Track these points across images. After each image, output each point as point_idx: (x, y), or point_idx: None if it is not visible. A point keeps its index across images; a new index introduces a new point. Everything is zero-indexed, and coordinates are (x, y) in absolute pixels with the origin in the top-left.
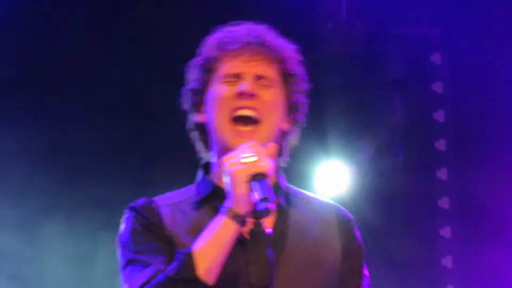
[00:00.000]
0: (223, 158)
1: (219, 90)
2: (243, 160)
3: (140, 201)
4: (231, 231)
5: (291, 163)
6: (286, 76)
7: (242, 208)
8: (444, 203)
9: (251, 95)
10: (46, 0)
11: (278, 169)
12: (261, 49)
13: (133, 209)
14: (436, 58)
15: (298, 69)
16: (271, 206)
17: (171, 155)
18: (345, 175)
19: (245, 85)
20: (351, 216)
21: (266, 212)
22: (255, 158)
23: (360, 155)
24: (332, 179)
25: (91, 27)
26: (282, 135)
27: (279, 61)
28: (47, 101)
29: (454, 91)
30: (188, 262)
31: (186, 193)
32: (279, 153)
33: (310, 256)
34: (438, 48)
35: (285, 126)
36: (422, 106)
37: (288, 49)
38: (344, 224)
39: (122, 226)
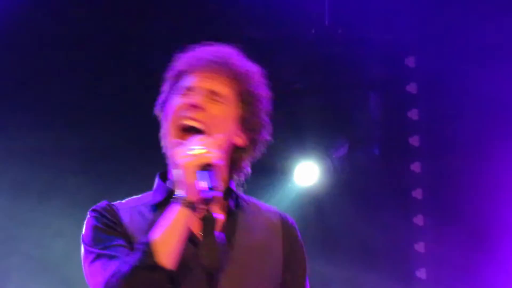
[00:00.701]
0: (174, 151)
1: (173, 101)
2: (191, 152)
3: (101, 204)
4: (185, 218)
5: (272, 160)
6: (243, 96)
7: (193, 196)
8: (417, 193)
9: (198, 107)
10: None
11: (231, 175)
12: (221, 68)
13: (95, 211)
14: (410, 61)
15: (258, 91)
16: (217, 194)
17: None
18: (325, 168)
19: (195, 98)
20: (293, 221)
21: (213, 199)
22: (203, 150)
23: (338, 150)
24: (312, 172)
25: (83, 42)
26: (236, 150)
27: (237, 80)
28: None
29: (427, 91)
30: (148, 250)
31: (144, 199)
32: (233, 166)
33: (256, 253)
34: (412, 52)
35: (240, 141)
36: (397, 105)
37: (250, 71)
38: (287, 228)
39: (86, 227)
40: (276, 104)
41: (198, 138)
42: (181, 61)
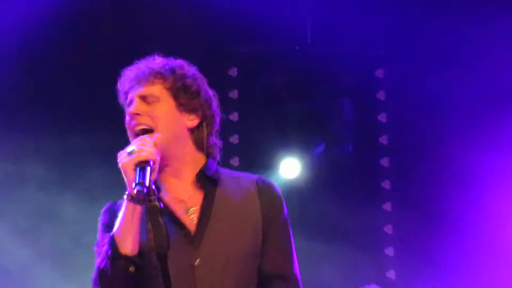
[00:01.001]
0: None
1: (126, 116)
2: (127, 151)
3: (106, 206)
4: (133, 211)
5: (258, 157)
6: (171, 87)
7: (133, 191)
8: (386, 184)
9: (137, 114)
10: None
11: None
12: (144, 74)
13: (102, 211)
14: (379, 73)
15: (186, 78)
16: (141, 188)
17: None
18: (306, 164)
19: (131, 108)
20: (270, 182)
21: (140, 193)
22: (135, 149)
23: (317, 148)
24: (294, 167)
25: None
26: (194, 131)
27: (161, 78)
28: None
29: (394, 98)
30: (112, 244)
31: None
32: (200, 145)
33: (234, 223)
34: (381, 65)
35: (191, 123)
36: (369, 109)
37: (170, 65)
38: (263, 190)
39: (99, 225)
40: (264, 109)
41: (134, 140)
42: (120, 80)
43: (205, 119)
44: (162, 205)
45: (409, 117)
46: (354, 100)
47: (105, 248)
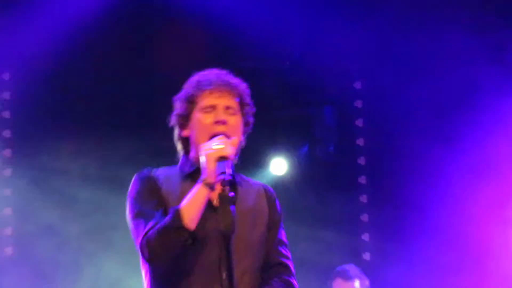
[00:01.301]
0: (201, 145)
1: (201, 117)
2: (214, 147)
3: (145, 171)
4: (204, 194)
5: (253, 156)
6: (242, 105)
7: (211, 179)
8: (362, 179)
9: (223, 122)
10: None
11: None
12: (227, 87)
13: (139, 176)
14: (357, 84)
15: (249, 100)
16: (229, 177)
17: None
18: (291, 163)
19: (220, 116)
20: (272, 190)
21: (230, 182)
22: (222, 146)
23: (302, 149)
24: (282, 165)
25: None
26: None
27: (238, 94)
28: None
29: (369, 106)
30: (177, 215)
31: (173, 170)
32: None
33: (252, 216)
34: (359, 78)
35: (242, 137)
36: (348, 116)
37: (243, 86)
38: (269, 196)
39: (131, 187)
40: (258, 116)
41: (218, 137)
42: (192, 85)
43: (246, 133)
44: (232, 194)
45: (382, 122)
46: (335, 107)
47: (168, 218)
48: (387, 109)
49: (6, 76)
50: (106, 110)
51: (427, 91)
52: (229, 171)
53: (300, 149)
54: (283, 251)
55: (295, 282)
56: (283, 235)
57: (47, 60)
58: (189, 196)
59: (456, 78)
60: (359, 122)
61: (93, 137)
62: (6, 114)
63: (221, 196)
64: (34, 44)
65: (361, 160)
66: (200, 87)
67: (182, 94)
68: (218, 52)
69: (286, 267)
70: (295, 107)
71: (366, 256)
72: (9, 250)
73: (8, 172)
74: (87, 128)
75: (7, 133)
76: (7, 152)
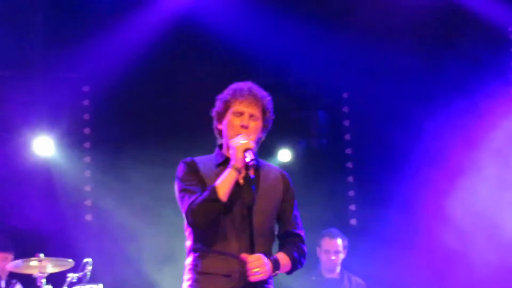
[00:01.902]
0: (231, 140)
1: (231, 119)
2: (240, 141)
3: (188, 158)
4: (234, 176)
5: (265, 148)
6: (264, 113)
7: (239, 164)
8: (349, 165)
9: (246, 127)
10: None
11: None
12: (253, 99)
13: (184, 162)
14: (345, 94)
15: (269, 107)
16: (254, 162)
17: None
18: (294, 152)
19: (244, 122)
20: (287, 174)
21: (253, 166)
22: (246, 141)
23: (301, 142)
24: (287, 154)
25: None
26: (259, 138)
27: (262, 105)
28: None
29: (354, 111)
30: (213, 190)
31: (210, 158)
32: (257, 143)
33: (270, 193)
34: (346, 89)
35: (261, 135)
36: (337, 117)
37: (266, 97)
38: (285, 178)
39: (178, 170)
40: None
41: (242, 134)
42: (229, 92)
43: (265, 133)
44: (253, 176)
45: (364, 122)
46: (328, 111)
47: (206, 193)
48: (368, 112)
49: (86, 88)
50: (162, 115)
51: (397, 98)
52: (252, 158)
53: (300, 142)
54: (297, 223)
55: (305, 248)
56: (296, 209)
57: (117, 75)
58: (222, 177)
59: (415, 87)
60: (346, 123)
61: (155, 135)
62: (86, 116)
63: (245, 178)
64: (107, 64)
65: (348, 151)
66: (235, 95)
67: (221, 96)
68: (241, 71)
69: (299, 236)
70: (297, 111)
71: (353, 221)
72: (89, 217)
73: (87, 159)
74: (149, 128)
75: (87, 130)
76: (87, 144)
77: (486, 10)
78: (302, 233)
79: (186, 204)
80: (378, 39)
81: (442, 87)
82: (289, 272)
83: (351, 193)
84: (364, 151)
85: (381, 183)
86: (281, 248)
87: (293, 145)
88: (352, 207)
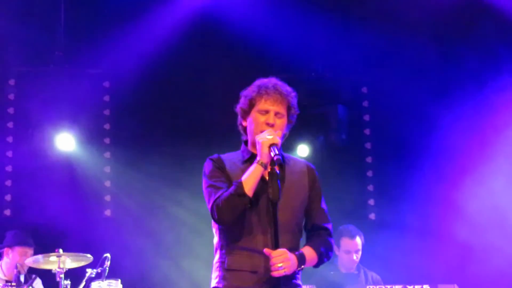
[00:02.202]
0: (257, 136)
1: (256, 117)
2: (266, 136)
3: (215, 155)
4: (259, 171)
5: (287, 143)
6: (289, 110)
7: (265, 160)
8: (369, 159)
9: (272, 125)
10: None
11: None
12: (279, 97)
13: (211, 159)
14: (364, 89)
15: (294, 103)
16: (279, 157)
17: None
18: (313, 149)
19: (270, 120)
20: (314, 167)
21: (277, 162)
22: (272, 136)
23: (319, 137)
24: (305, 149)
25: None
26: (284, 134)
27: (287, 102)
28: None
29: (374, 105)
30: (239, 185)
31: (235, 155)
32: (282, 138)
33: (295, 188)
34: (365, 84)
35: (286, 131)
36: (357, 112)
37: (291, 94)
38: (311, 171)
39: (205, 166)
40: None
41: (268, 130)
42: (254, 89)
43: (289, 129)
44: (278, 172)
45: (383, 117)
46: (347, 106)
47: (232, 188)
48: (387, 107)
49: (107, 84)
50: (182, 111)
51: (416, 92)
52: (277, 154)
53: (319, 137)
54: (324, 216)
55: (332, 241)
56: (323, 203)
57: (137, 71)
58: (248, 172)
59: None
60: (366, 117)
61: (174, 131)
62: (107, 112)
63: (271, 173)
64: (128, 60)
65: (368, 145)
66: (260, 93)
67: (246, 92)
68: (260, 66)
69: (326, 229)
70: (317, 106)
71: (372, 216)
72: (108, 213)
73: (107, 154)
74: (169, 124)
75: (107, 126)
76: (107, 140)
77: (503, 3)
78: (329, 227)
79: (211, 200)
80: (398, 34)
81: (459, 81)
82: (315, 266)
83: (370, 187)
84: (383, 145)
85: (400, 178)
86: (308, 242)
87: (312, 140)
88: (371, 202)
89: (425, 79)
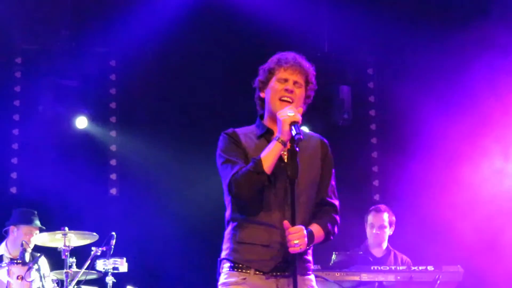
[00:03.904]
0: (278, 112)
1: (275, 85)
2: (288, 113)
3: (230, 130)
4: (279, 148)
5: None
6: (307, 82)
7: (285, 138)
8: (374, 140)
9: (291, 91)
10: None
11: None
12: (298, 67)
13: (226, 133)
14: (370, 70)
15: (312, 78)
16: (300, 136)
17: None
18: (317, 129)
19: (289, 86)
20: (327, 141)
21: (298, 140)
22: (293, 113)
23: (324, 119)
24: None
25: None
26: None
27: (305, 74)
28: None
29: (379, 86)
30: (258, 162)
31: (250, 129)
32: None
33: (310, 163)
34: (371, 66)
35: (303, 106)
36: (363, 93)
37: (309, 67)
38: (324, 146)
39: (220, 141)
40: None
41: (290, 106)
42: (273, 61)
43: (307, 103)
44: (298, 149)
45: (389, 98)
46: (352, 87)
47: (251, 165)
48: (393, 88)
49: (113, 63)
50: (188, 91)
51: (422, 74)
52: (299, 133)
53: (324, 118)
54: (332, 193)
55: (338, 218)
56: (333, 179)
57: (144, 50)
58: (266, 150)
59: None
60: (371, 98)
61: (180, 110)
62: (113, 91)
63: (290, 151)
64: (134, 39)
65: (373, 126)
66: (279, 63)
67: (265, 66)
68: (266, 47)
69: (333, 206)
70: (322, 86)
71: (377, 197)
72: (114, 191)
73: (113, 133)
74: (175, 103)
75: (113, 105)
76: (113, 119)
77: None
78: (336, 203)
79: (228, 175)
80: (404, 15)
81: (466, 64)
82: (321, 243)
83: (375, 168)
84: (388, 127)
85: (405, 159)
86: (315, 219)
87: (315, 120)
88: (376, 183)
89: (431, 60)
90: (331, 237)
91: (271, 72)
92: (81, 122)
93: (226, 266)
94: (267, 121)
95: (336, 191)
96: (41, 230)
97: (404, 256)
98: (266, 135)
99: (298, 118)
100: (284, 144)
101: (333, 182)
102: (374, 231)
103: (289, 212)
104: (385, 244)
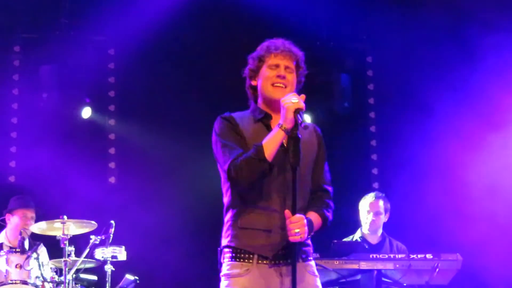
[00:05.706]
0: (282, 99)
1: (267, 72)
2: (292, 100)
3: (226, 114)
4: (281, 136)
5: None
6: (298, 67)
7: (288, 125)
8: (372, 128)
9: (283, 77)
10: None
11: None
12: (288, 52)
13: (222, 117)
14: (369, 58)
15: (302, 63)
16: (306, 125)
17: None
18: (316, 117)
19: (281, 72)
20: (320, 130)
21: (305, 128)
22: (297, 100)
23: (323, 107)
24: (307, 119)
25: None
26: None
27: (295, 59)
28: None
29: (378, 74)
30: (260, 149)
31: (246, 114)
32: None
33: (307, 147)
34: (370, 53)
35: (295, 91)
36: (362, 81)
37: (300, 53)
38: (318, 134)
39: (217, 124)
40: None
41: (292, 93)
42: (263, 48)
43: (299, 88)
44: (300, 136)
45: (387, 86)
46: (351, 75)
47: (252, 151)
48: (391, 76)
49: (112, 52)
50: (188, 79)
51: (421, 62)
52: (304, 121)
53: (323, 106)
54: (326, 179)
55: (332, 204)
56: (326, 165)
57: (142, 39)
58: (268, 136)
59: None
60: (370, 86)
61: (180, 99)
62: (112, 80)
63: (293, 138)
64: (133, 27)
65: (372, 114)
66: (269, 50)
67: (254, 54)
68: (264, 34)
69: (327, 191)
70: (321, 74)
71: (375, 185)
72: (112, 180)
73: (112, 121)
74: (174, 92)
75: (111, 93)
76: (112, 107)
77: None
78: (330, 189)
79: (227, 160)
80: (403, 2)
81: (467, 51)
82: (319, 231)
83: (374, 156)
84: (387, 115)
85: (404, 147)
86: (311, 207)
87: (315, 109)
88: (375, 171)
89: (431, 48)
90: (328, 224)
91: (261, 60)
92: (86, 113)
93: (227, 256)
94: (263, 106)
95: (330, 177)
96: (37, 213)
97: (399, 242)
98: (264, 119)
99: (302, 105)
100: (287, 131)
101: (326, 168)
102: (370, 218)
103: (289, 197)
104: (380, 231)
